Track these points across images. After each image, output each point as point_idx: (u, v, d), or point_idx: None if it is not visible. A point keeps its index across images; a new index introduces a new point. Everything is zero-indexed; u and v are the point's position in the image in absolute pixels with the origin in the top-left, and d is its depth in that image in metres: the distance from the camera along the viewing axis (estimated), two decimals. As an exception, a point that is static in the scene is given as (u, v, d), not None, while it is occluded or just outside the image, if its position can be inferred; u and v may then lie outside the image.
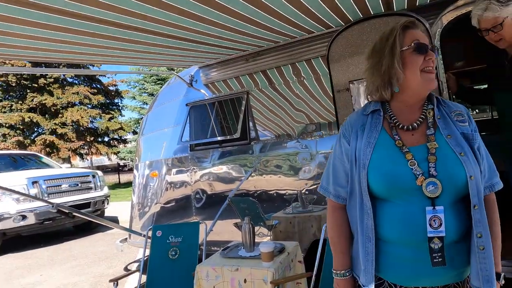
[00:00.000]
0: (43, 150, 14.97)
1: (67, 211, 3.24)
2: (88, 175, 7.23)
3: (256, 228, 2.92)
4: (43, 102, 15.54)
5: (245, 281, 2.12)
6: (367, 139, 1.09)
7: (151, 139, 4.09)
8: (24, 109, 15.52)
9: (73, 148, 16.07)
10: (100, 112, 16.91)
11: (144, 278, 2.78)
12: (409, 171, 1.01)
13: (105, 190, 7.43)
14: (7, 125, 15.19)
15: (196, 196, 3.55)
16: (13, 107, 15.54)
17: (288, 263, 2.32)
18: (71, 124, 15.91)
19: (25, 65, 12.94)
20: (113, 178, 18.27)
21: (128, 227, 4.17)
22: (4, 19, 1.96)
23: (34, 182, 6.24)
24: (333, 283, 1.20)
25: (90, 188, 7.09)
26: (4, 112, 15.42)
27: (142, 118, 5.89)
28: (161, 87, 7.31)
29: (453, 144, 1.04)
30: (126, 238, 4.11)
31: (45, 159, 8.35)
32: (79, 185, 6.89)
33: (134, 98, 17.66)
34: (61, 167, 8.21)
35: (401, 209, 1.02)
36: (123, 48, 2.76)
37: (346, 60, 2.71)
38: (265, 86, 3.25)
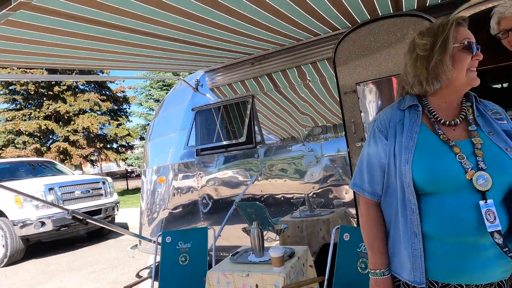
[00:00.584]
0: (57, 157, 15.26)
1: (81, 217, 3.28)
2: (99, 182, 7.31)
3: (264, 232, 2.90)
4: (58, 109, 15.88)
5: (256, 286, 2.11)
6: (408, 134, 1.07)
7: (158, 144, 4.12)
8: (41, 117, 15.89)
9: (84, 155, 16.31)
10: (109, 118, 17.13)
11: (156, 284, 2.79)
12: (458, 165, 1.00)
13: (115, 197, 7.49)
14: (26, 132, 15.54)
15: (203, 201, 3.55)
16: (31, 115, 15.91)
17: (299, 268, 2.30)
18: (82, 131, 16.17)
19: (42, 73, 13.22)
20: (121, 184, 18.44)
21: (137, 233, 4.19)
22: (19, 26, 1.99)
23: (50, 189, 6.36)
24: (370, 283, 1.16)
25: (101, 195, 7.16)
26: (25, 120, 15.79)
27: (148, 124, 5.94)
28: (167, 93, 7.37)
29: (497, 140, 1.05)
30: (136, 245, 4.13)
31: (60, 166, 8.48)
32: (91, 191, 6.97)
33: (140, 104, 17.83)
34: (73, 174, 8.33)
35: (449, 204, 1.00)
36: (130, 53, 2.79)
37: (353, 62, 2.69)
38: (271, 90, 3.24)
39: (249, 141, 3.28)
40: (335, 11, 2.44)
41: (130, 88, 18.37)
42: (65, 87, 16.16)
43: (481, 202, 0.97)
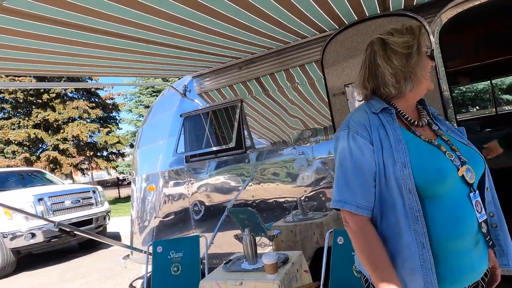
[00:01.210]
0: (47, 167, 15.03)
1: (68, 229, 3.19)
2: (89, 191, 7.18)
3: (257, 238, 2.85)
4: (47, 117, 15.66)
5: (250, 294, 2.07)
6: (394, 137, 1.02)
7: (147, 152, 4.06)
8: (30, 126, 15.65)
9: (75, 164, 16.08)
10: (99, 126, 16.94)
11: (148, 295, 2.73)
12: (450, 163, 1.00)
13: (106, 206, 7.37)
14: (16, 142, 15.28)
15: (195, 208, 3.50)
16: (20, 124, 15.67)
17: (293, 274, 2.26)
18: (71, 139, 15.96)
19: (31, 81, 13.04)
20: (113, 193, 18.23)
21: (129, 242, 4.12)
22: (4, 32, 1.95)
23: (40, 199, 6.23)
24: None
25: (91, 204, 7.03)
26: (13, 129, 15.53)
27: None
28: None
29: (456, 137, 1.11)
30: (128, 255, 4.05)
31: (49, 175, 8.34)
32: (81, 201, 6.84)
33: (130, 111, 17.68)
34: (63, 183, 8.18)
35: (450, 203, 0.98)
36: (118, 58, 2.75)
37: (341, 63, 2.68)
38: (259, 94, 3.21)
39: (239, 146, 3.24)
40: (322, 13, 2.43)
41: (119, 94, 18.22)
42: (54, 94, 15.97)
43: (471, 194, 1.00)
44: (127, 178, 22.29)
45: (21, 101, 15.44)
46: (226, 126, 3.35)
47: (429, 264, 0.94)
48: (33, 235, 5.91)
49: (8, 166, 13.64)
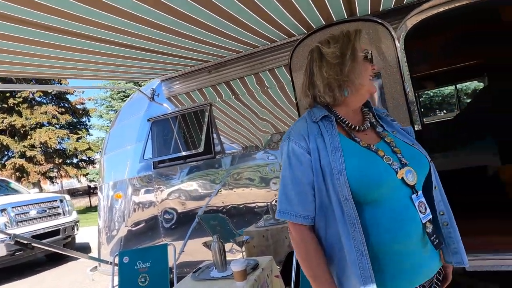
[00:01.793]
0: (13, 175, 14.35)
1: (25, 242, 3.01)
2: (56, 200, 6.84)
3: (229, 244, 2.81)
4: (13, 123, 14.96)
5: (219, 303, 2.01)
6: (331, 145, 1.03)
7: (114, 158, 3.93)
8: (-5, 132, 14.88)
9: (42, 172, 15.40)
10: (68, 132, 16.34)
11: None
12: (388, 167, 1.01)
13: (74, 215, 7.04)
14: (-21, 149, 14.48)
15: (164, 216, 3.40)
16: (-16, 130, 14.88)
17: (264, 280, 2.22)
18: (39, 146, 15.29)
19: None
20: (84, 201, 17.61)
21: (97, 252, 3.95)
22: None
23: (2, 210, 5.88)
24: None
25: (59, 214, 6.70)
26: (-23, 137, 14.71)
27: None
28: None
29: (402, 137, 1.12)
30: (96, 267, 3.88)
31: (14, 184, 7.92)
32: (47, 211, 6.51)
33: (101, 116, 17.22)
34: (29, 193, 7.77)
35: (390, 207, 0.99)
36: (87, 61, 2.66)
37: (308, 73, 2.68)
38: (229, 97, 3.19)
39: (208, 151, 3.19)
40: (291, 17, 2.44)
41: (90, 99, 17.71)
42: (21, 99, 15.33)
43: (413, 196, 1.01)
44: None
45: (-15, 106, 14.75)
46: (195, 131, 3.29)
47: (368, 272, 0.94)
48: (-6, 248, 5.55)
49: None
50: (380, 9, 2.60)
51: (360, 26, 2.57)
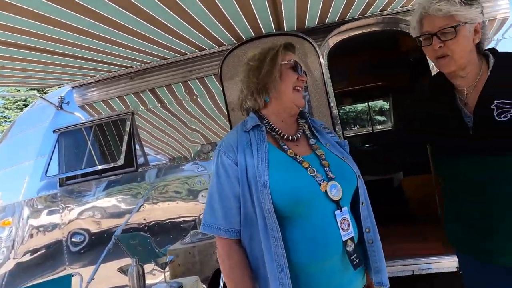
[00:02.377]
0: None
1: None
2: None
3: (151, 266, 2.54)
4: None
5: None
6: (258, 155, 1.01)
7: (5, 177, 3.35)
8: None
9: None
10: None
11: None
12: (311, 179, 0.99)
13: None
14: None
15: (72, 239, 2.96)
16: None
17: (189, 303, 2.04)
18: None
19: None
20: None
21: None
22: None
23: None
24: None
25: None
26: None
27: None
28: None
29: (334, 150, 1.12)
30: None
31: None
32: None
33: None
34: None
35: (311, 222, 0.97)
36: None
37: (239, 78, 2.65)
38: (155, 106, 2.99)
39: (129, 164, 2.91)
40: (220, 26, 2.40)
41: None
42: None
43: (337, 212, 0.99)
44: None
45: None
46: (115, 142, 2.99)
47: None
48: None
49: None
50: (305, 26, 2.71)
51: (289, 41, 2.64)
